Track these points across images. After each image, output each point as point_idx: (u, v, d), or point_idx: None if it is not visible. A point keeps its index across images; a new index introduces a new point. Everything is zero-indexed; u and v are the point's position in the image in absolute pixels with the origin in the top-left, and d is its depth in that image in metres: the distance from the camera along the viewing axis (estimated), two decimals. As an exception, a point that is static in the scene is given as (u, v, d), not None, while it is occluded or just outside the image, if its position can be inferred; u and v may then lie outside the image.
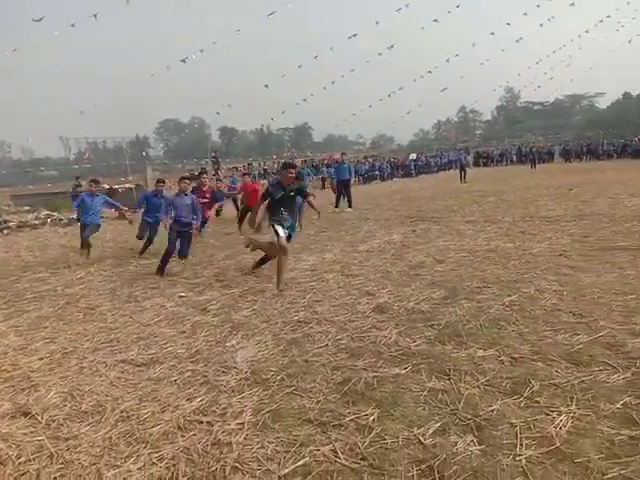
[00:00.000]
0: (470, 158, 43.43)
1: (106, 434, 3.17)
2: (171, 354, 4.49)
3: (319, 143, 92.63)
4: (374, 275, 6.86)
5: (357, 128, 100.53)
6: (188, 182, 8.78)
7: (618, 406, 3.05)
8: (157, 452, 2.94)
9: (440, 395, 3.37)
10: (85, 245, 9.80)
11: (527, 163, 37.61)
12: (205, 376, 3.96)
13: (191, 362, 4.27)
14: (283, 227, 6.47)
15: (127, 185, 23.57)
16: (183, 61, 23.80)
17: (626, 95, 75.37)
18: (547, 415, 3.03)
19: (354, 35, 27.03)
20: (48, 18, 19.21)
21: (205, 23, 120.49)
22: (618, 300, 5.02)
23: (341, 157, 17.57)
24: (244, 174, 14.52)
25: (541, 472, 2.52)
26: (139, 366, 4.27)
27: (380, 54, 30.34)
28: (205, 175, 13.79)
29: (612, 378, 3.41)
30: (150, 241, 9.93)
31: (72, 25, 19.39)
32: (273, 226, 6.47)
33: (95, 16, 18.82)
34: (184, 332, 5.07)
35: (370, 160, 39.36)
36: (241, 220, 12.19)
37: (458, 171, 27.65)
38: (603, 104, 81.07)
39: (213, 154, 34.83)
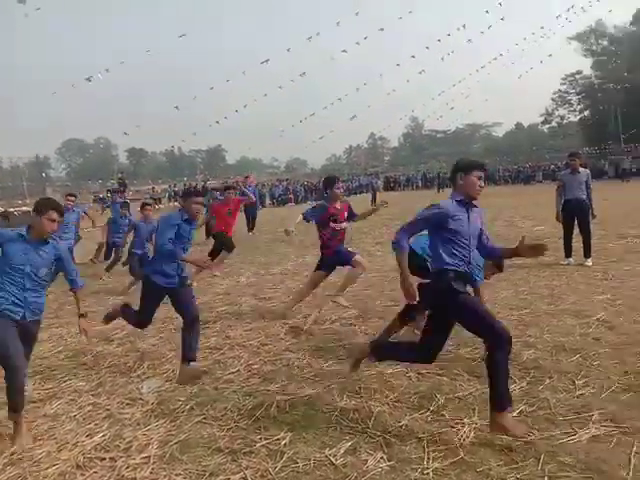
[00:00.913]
0: (380, 182, 45.11)
1: (-8, 480, 2.88)
2: (70, 388, 4.19)
3: (233, 165, 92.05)
4: (288, 297, 6.84)
5: (271, 151, 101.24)
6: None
7: (515, 414, 3.24)
8: (52, 495, 2.71)
9: (351, 414, 3.41)
10: None
11: (433, 188, 39.86)
12: (108, 409, 3.74)
13: (92, 395, 4.01)
14: None
15: (24, 208, 21.98)
16: (88, 79, 22.82)
17: (518, 125, 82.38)
18: (452, 427, 3.16)
19: (266, 61, 27.35)
20: None
21: (112, 41, 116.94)
22: (514, 314, 5.38)
23: (245, 180, 17.43)
24: (227, 188, 10.00)
25: (447, 483, 2.61)
26: (34, 402, 3.94)
27: (292, 81, 30.95)
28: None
29: (509, 388, 3.62)
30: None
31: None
32: None
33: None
34: (85, 364, 4.76)
35: (284, 183, 39.82)
36: (214, 253, 8.70)
37: (370, 195, 28.71)
38: (500, 133, 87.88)
39: (119, 175, 33.54)
